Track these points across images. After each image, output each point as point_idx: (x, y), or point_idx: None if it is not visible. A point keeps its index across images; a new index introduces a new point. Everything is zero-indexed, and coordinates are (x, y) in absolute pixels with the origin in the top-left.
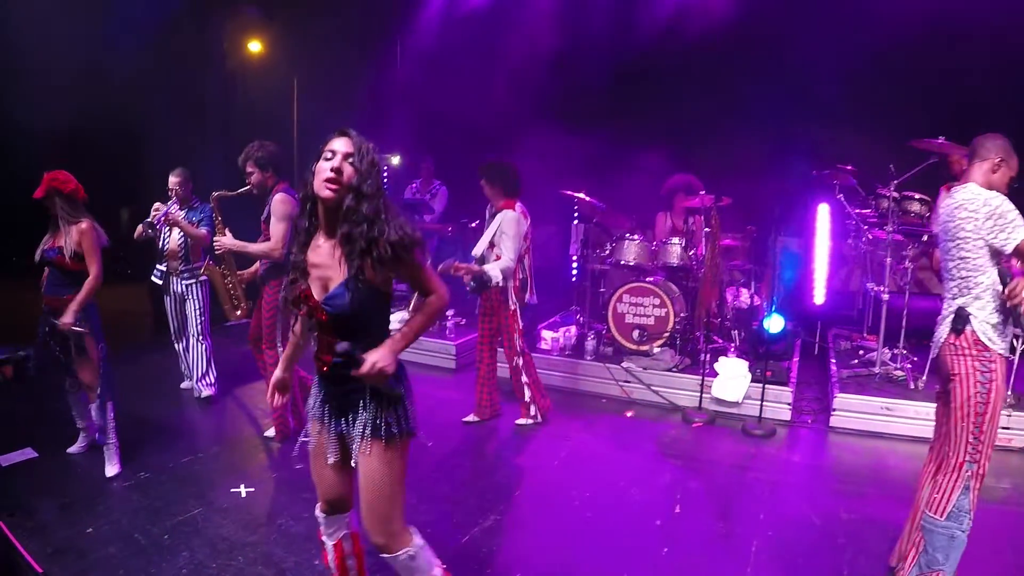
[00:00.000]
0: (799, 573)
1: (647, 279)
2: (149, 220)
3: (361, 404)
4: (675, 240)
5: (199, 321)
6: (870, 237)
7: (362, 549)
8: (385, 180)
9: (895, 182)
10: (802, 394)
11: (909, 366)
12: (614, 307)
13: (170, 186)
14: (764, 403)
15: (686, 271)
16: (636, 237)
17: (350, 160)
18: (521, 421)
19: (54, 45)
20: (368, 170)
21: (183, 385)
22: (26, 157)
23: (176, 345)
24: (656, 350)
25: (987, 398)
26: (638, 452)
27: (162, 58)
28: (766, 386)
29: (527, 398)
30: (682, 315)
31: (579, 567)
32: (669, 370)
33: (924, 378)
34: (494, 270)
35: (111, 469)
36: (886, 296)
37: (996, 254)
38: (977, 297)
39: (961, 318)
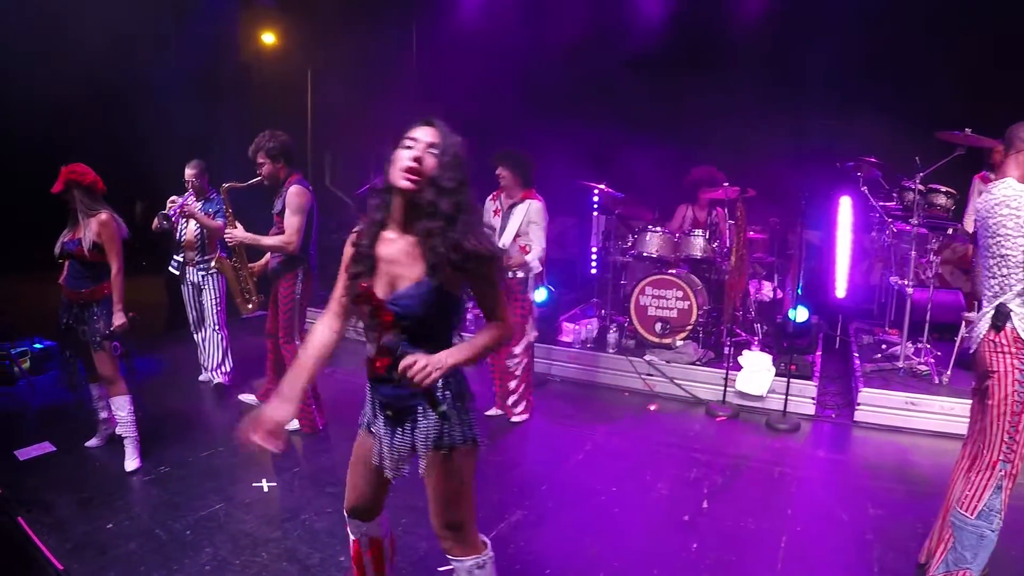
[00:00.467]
0: (829, 569)
1: (670, 271)
2: (164, 212)
3: (421, 411)
4: (698, 232)
5: (215, 311)
6: (894, 230)
7: (383, 552)
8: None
9: (920, 174)
10: (825, 388)
11: (933, 360)
12: (636, 299)
13: (186, 178)
14: (788, 397)
15: (709, 263)
16: (658, 229)
17: (432, 151)
18: (493, 412)
19: (66, 39)
20: (451, 163)
21: (201, 378)
22: (41, 153)
23: (195, 336)
24: (679, 343)
25: None
26: (663, 446)
27: (178, 49)
28: (790, 380)
29: (518, 393)
30: (705, 308)
31: (608, 562)
32: (692, 363)
33: (949, 373)
34: (533, 260)
35: (131, 463)
36: (911, 290)
37: None
38: (1019, 294)
39: (1002, 314)
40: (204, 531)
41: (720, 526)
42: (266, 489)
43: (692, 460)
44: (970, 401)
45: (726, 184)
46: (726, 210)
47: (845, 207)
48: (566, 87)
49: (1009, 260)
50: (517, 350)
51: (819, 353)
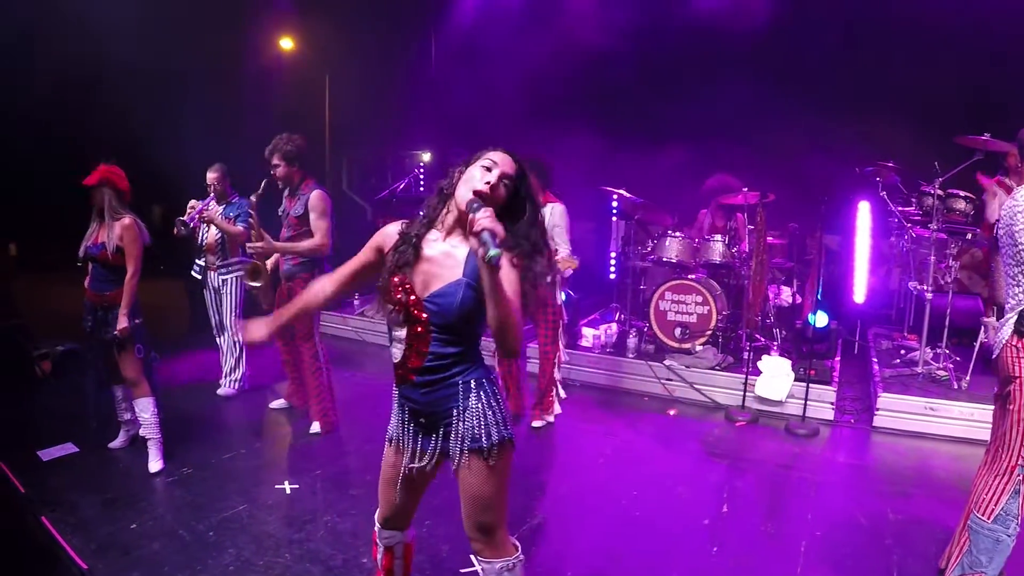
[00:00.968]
0: (849, 574)
1: (689, 276)
2: (182, 218)
3: (455, 414)
4: (717, 237)
5: (233, 316)
6: (913, 235)
7: (412, 559)
8: (422, 180)
9: (939, 179)
10: (843, 393)
11: (952, 365)
12: (656, 304)
13: (208, 182)
14: (807, 402)
15: (728, 268)
16: (678, 234)
17: (506, 182)
18: (538, 423)
19: (85, 41)
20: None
21: (219, 392)
22: (62, 156)
23: (217, 339)
24: (699, 348)
25: None
26: (683, 451)
27: (196, 55)
28: (809, 385)
29: (552, 395)
30: (724, 313)
31: (629, 567)
32: (712, 368)
33: (968, 378)
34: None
35: (154, 465)
36: (929, 295)
37: None
38: None
39: None
40: (227, 532)
41: (740, 530)
42: (288, 491)
43: (712, 465)
44: (990, 406)
45: (745, 189)
46: (746, 215)
47: (864, 212)
48: (583, 93)
49: None
50: (564, 357)
51: (838, 358)
